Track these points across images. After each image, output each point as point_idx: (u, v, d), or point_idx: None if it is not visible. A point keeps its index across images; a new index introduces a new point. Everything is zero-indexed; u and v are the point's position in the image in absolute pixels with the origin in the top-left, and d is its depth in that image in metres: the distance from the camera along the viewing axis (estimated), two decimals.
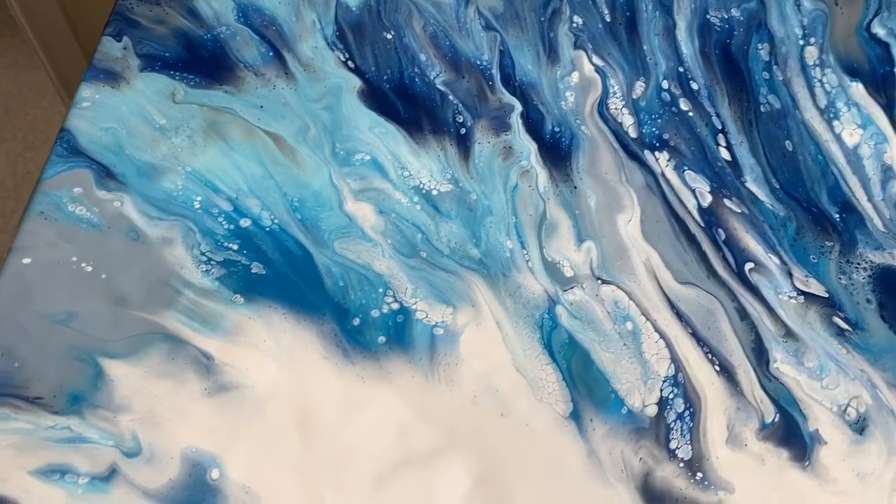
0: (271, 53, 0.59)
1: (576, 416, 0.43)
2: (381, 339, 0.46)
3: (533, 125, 0.56)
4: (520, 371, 0.44)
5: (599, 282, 0.48)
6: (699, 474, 0.41)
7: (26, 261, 0.47)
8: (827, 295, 0.48)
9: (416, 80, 0.59)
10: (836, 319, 0.47)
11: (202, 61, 0.59)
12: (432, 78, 0.59)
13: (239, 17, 0.61)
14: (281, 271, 0.48)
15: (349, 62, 0.59)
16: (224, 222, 0.50)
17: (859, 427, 0.43)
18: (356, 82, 0.58)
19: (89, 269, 0.47)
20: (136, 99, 0.56)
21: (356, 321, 0.46)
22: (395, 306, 0.47)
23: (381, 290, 0.47)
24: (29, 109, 1.56)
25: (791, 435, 0.42)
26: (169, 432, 0.42)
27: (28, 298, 0.46)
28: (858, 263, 0.49)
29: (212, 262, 0.48)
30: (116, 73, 0.57)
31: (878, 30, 0.61)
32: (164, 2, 0.62)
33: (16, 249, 0.48)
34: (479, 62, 0.60)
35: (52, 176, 0.51)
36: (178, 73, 0.58)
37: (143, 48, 0.59)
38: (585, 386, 0.44)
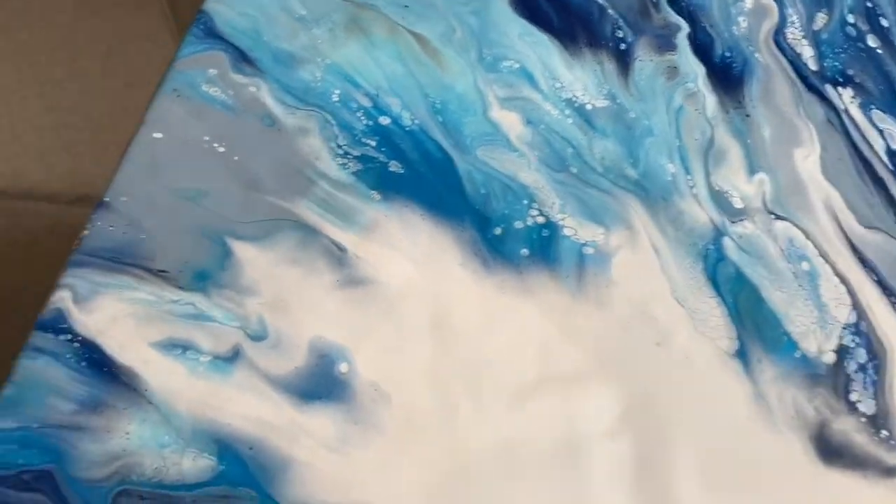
0: None
1: (742, 354, 0.39)
2: (524, 251, 0.42)
3: (701, 47, 0.52)
4: (679, 301, 0.40)
5: (772, 217, 0.43)
6: (884, 432, 0.36)
7: (157, 135, 0.46)
8: None
9: None
10: None
11: None
12: None
13: None
14: (420, 172, 0.45)
15: None
16: (362, 118, 0.47)
17: None
18: None
19: (221, 149, 0.45)
20: None
21: (498, 231, 0.43)
22: (541, 220, 0.43)
23: (525, 201, 0.44)
24: (132, 50, 1.58)
25: None
26: (296, 320, 0.39)
27: (157, 172, 0.44)
28: None
29: (349, 156, 0.46)
30: None
31: None
32: None
33: (147, 123, 0.47)
34: None
35: (187, 55, 0.49)
36: None
37: None
38: (753, 324, 0.40)
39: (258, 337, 0.39)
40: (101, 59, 1.60)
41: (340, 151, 0.46)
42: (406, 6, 0.53)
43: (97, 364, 0.38)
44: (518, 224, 0.43)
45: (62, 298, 0.39)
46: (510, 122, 0.48)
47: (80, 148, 1.47)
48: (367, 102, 0.48)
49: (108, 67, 1.56)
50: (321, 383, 0.38)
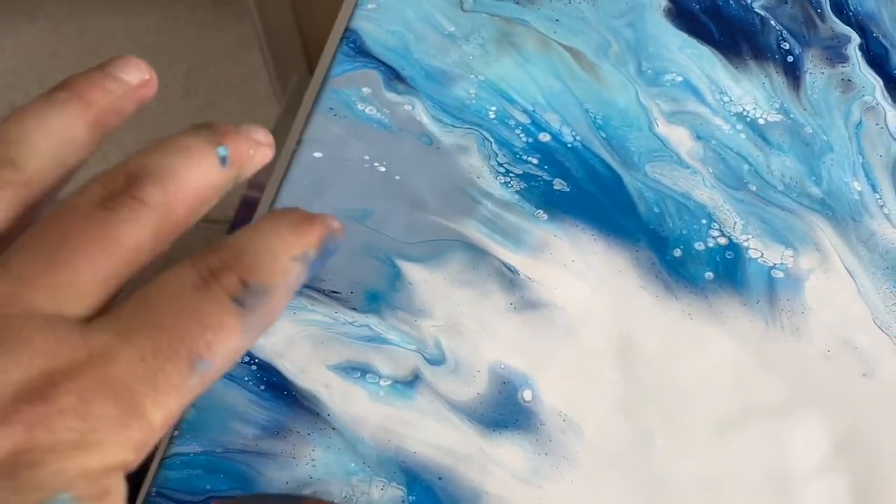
0: None
1: None
2: (709, 274, 0.41)
3: (875, 59, 0.50)
4: (883, 329, 0.38)
5: None
6: None
7: (317, 154, 0.46)
8: None
9: (731, 2, 0.53)
10: None
11: None
12: (749, 2, 0.53)
13: None
14: (586, 190, 0.44)
15: None
16: (521, 134, 0.47)
17: None
18: (661, 1, 0.54)
19: (382, 168, 0.45)
20: (422, 4, 0.54)
21: (677, 252, 0.42)
22: (723, 241, 0.42)
23: (704, 221, 0.43)
24: (212, 68, 1.62)
25: None
26: (474, 344, 0.39)
27: (320, 191, 0.45)
28: None
29: (510, 175, 0.45)
30: None
31: None
32: None
33: (306, 142, 0.47)
34: None
35: (339, 74, 0.50)
36: None
37: None
38: None
39: (436, 361, 0.39)
40: (183, 78, 1.65)
41: (502, 170, 0.46)
42: (557, 20, 0.53)
43: (277, 387, 0.38)
44: (698, 245, 0.42)
45: None
46: (678, 137, 0.47)
47: None
48: (524, 119, 0.48)
49: (190, 86, 1.60)
50: (506, 411, 0.37)
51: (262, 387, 0.38)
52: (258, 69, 1.50)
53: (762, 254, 0.41)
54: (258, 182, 0.43)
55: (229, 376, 0.38)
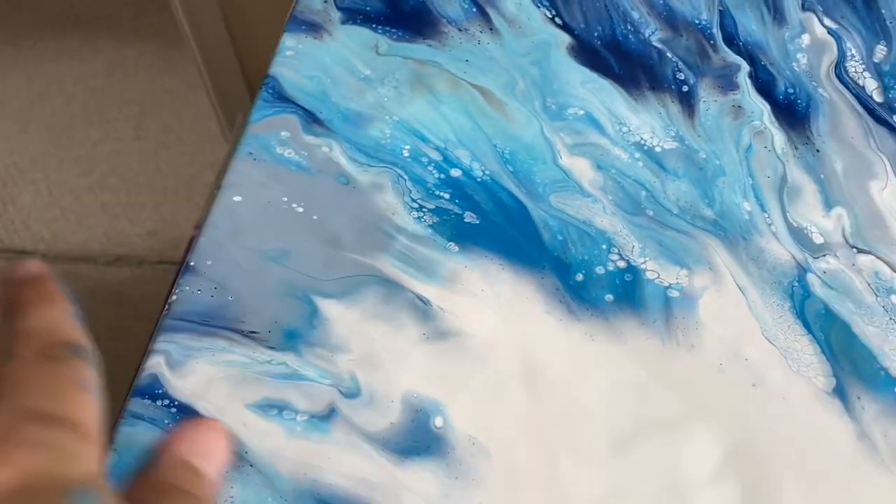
0: (474, 9, 0.58)
1: (840, 392, 0.38)
2: (609, 297, 0.42)
3: (763, 85, 0.52)
4: (771, 340, 0.40)
5: (855, 251, 0.43)
6: None
7: (237, 198, 0.47)
8: None
9: (630, 37, 0.56)
10: None
11: (404, 16, 0.58)
12: (647, 35, 0.56)
13: None
14: (495, 222, 0.46)
15: (556, 19, 0.57)
16: (434, 171, 0.48)
17: None
18: (565, 38, 0.56)
19: (300, 209, 0.47)
20: (339, 50, 0.55)
21: (579, 277, 0.43)
22: (622, 264, 0.44)
23: (604, 246, 0.44)
24: (164, 110, 1.62)
25: None
26: (388, 375, 0.40)
27: (241, 234, 0.46)
28: None
29: (423, 210, 0.47)
30: (318, 25, 0.57)
31: None
32: None
33: (226, 187, 0.48)
34: (697, 21, 0.56)
35: (259, 119, 0.51)
36: (379, 27, 0.57)
37: (344, 2, 0.58)
38: (849, 361, 0.40)
39: (352, 394, 0.40)
40: (135, 121, 1.64)
41: (415, 205, 0.47)
42: (467, 60, 0.55)
43: None
44: (599, 269, 0.44)
45: (157, 364, 0.40)
46: (581, 168, 0.49)
47: (117, 209, 1.50)
48: (436, 156, 0.49)
49: (142, 128, 1.60)
50: (418, 439, 0.38)
51: None
52: (208, 109, 1.50)
53: (659, 275, 0.43)
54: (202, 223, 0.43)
55: (150, 419, 0.39)
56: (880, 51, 0.54)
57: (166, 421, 0.39)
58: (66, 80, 1.66)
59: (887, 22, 0.55)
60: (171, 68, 1.65)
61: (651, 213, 0.46)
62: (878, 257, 0.43)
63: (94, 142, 1.55)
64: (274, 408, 0.39)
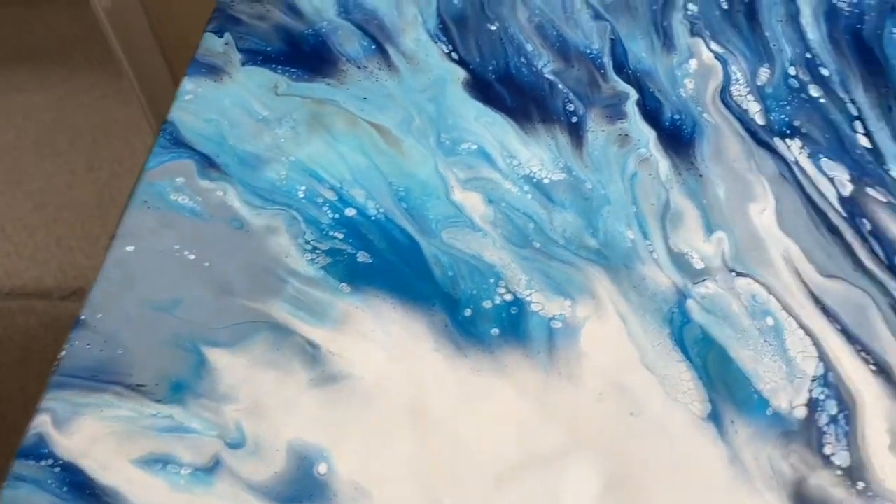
0: (373, 47, 0.58)
1: (715, 417, 0.39)
2: (495, 331, 0.43)
3: (650, 112, 0.53)
4: (649, 368, 0.41)
5: (734, 274, 0.44)
6: (861, 483, 0.36)
7: (129, 248, 0.47)
8: None
9: (523, 69, 0.56)
10: None
11: (303, 55, 0.58)
12: (540, 67, 0.56)
13: (340, 12, 0.60)
14: (388, 260, 0.46)
15: (453, 54, 0.57)
16: (329, 211, 0.48)
17: None
18: (461, 73, 0.56)
19: (192, 256, 0.46)
20: (238, 91, 0.55)
21: (467, 312, 0.43)
22: (509, 298, 0.44)
23: (492, 280, 0.45)
24: (115, 140, 1.60)
25: None
26: (275, 423, 0.40)
27: (131, 285, 0.45)
28: None
29: (317, 251, 0.46)
30: (218, 68, 0.57)
31: None
32: None
33: (119, 237, 0.47)
34: (588, 51, 0.57)
35: (155, 166, 0.51)
36: (279, 67, 0.57)
37: (245, 43, 0.58)
38: (724, 385, 0.40)
39: (237, 444, 0.39)
40: (87, 153, 1.62)
41: (309, 247, 0.47)
42: (365, 98, 0.55)
43: (80, 487, 0.38)
44: (487, 304, 0.44)
45: (42, 423, 0.40)
46: (473, 202, 0.49)
47: (71, 242, 1.48)
48: (332, 196, 0.49)
49: (94, 159, 1.58)
50: (301, 487, 0.38)
51: (65, 488, 0.38)
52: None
53: (543, 306, 0.43)
54: None
55: (33, 481, 0.38)
56: (763, 73, 0.55)
57: (50, 482, 0.38)
58: (16, 113, 1.63)
59: (770, 44, 0.56)
60: (123, 98, 1.63)
61: (538, 245, 0.46)
62: (756, 280, 0.44)
63: (46, 175, 1.53)
64: (158, 462, 0.38)
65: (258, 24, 0.60)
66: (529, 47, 0.57)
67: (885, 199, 0.47)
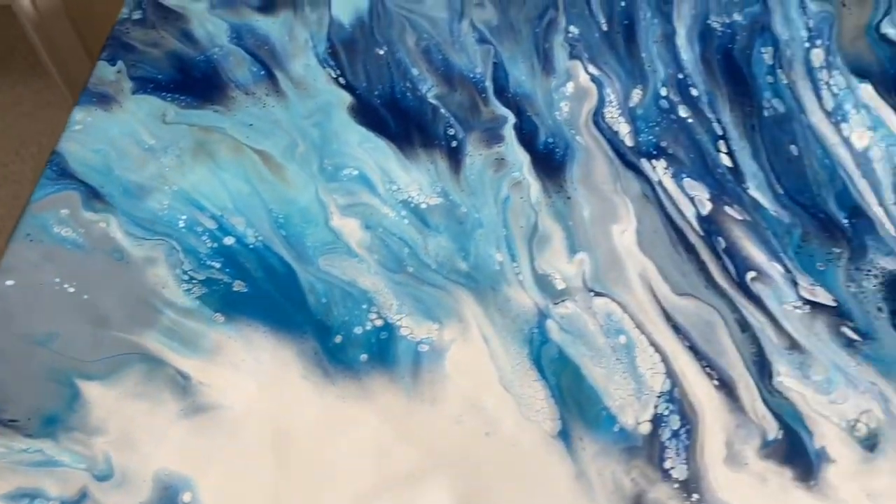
0: (263, 72, 0.59)
1: (564, 434, 0.41)
2: (364, 356, 0.44)
3: (526, 136, 0.55)
4: (507, 388, 0.42)
5: (592, 294, 0.46)
6: (696, 496, 0.38)
7: (9, 283, 0.47)
8: (835, 304, 0.45)
9: (408, 94, 0.57)
10: (845, 329, 0.44)
11: (194, 82, 0.58)
12: (424, 92, 0.57)
13: (232, 38, 0.61)
14: (263, 289, 0.47)
15: (340, 78, 0.58)
16: (208, 241, 0.49)
17: (869, 444, 0.39)
18: (347, 98, 0.57)
19: (71, 289, 0.47)
20: (128, 120, 0.56)
21: (338, 339, 0.45)
22: (379, 323, 0.45)
23: (364, 306, 0.46)
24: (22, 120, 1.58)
25: (795, 453, 0.39)
26: (143, 454, 0.40)
27: (9, 320, 0.45)
28: (869, 270, 0.46)
29: (194, 281, 0.47)
30: (109, 96, 0.57)
31: (889, 29, 0.58)
32: (160, 25, 0.62)
33: (1, 272, 0.48)
34: (472, 75, 0.58)
35: (40, 198, 0.51)
36: (169, 95, 0.57)
37: (137, 71, 0.59)
38: (575, 403, 0.42)
39: (104, 476, 0.40)
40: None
41: (186, 277, 0.48)
42: (251, 125, 0.56)
43: None
44: (357, 330, 0.45)
45: None
46: (350, 228, 0.50)
47: None
48: (212, 225, 0.50)
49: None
50: None
51: None
52: None
53: (412, 331, 0.45)
54: None
55: None
56: (636, 94, 0.56)
57: None
58: None
59: (645, 65, 0.58)
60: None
61: (411, 269, 0.48)
62: (613, 299, 0.46)
63: None
64: (26, 497, 0.39)
65: (151, 52, 0.60)
66: (415, 71, 0.58)
67: (741, 217, 0.49)
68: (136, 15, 0.62)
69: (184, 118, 0.56)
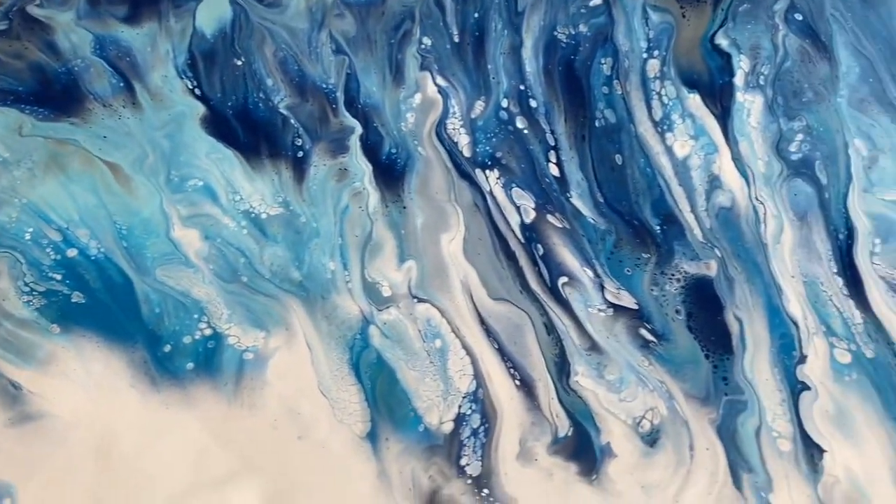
0: (122, 84, 0.59)
1: (372, 436, 0.43)
2: (190, 365, 0.45)
3: (371, 147, 0.56)
4: (324, 393, 0.44)
5: (415, 300, 0.48)
6: (485, 490, 0.41)
7: None
8: (637, 307, 0.48)
9: (260, 105, 0.59)
10: (643, 331, 0.46)
11: (54, 94, 0.59)
12: (276, 102, 0.59)
13: (95, 50, 0.61)
14: (100, 300, 0.48)
15: (196, 89, 0.59)
16: (52, 253, 0.50)
17: (651, 439, 0.42)
18: (200, 109, 0.58)
19: None
20: None
21: (167, 348, 0.46)
22: (208, 332, 0.47)
23: (196, 315, 0.47)
24: None
25: (582, 449, 0.42)
26: None
27: None
28: (672, 274, 0.49)
29: (34, 293, 0.48)
30: None
31: (722, 41, 0.61)
32: (26, 36, 0.62)
33: None
34: (324, 85, 0.60)
35: None
36: (28, 107, 0.58)
37: None
38: (387, 405, 0.44)
39: None
40: None
41: (27, 289, 0.49)
42: (104, 137, 0.56)
43: None
44: (187, 339, 0.47)
45: None
46: (189, 239, 0.51)
47: None
48: (57, 237, 0.51)
49: None
50: None
51: None
52: None
53: (239, 339, 0.46)
54: None
55: None
56: (478, 106, 0.58)
57: None
58: None
59: (491, 77, 0.60)
60: None
61: (245, 279, 0.49)
62: (433, 304, 0.48)
63: None
64: None
65: (14, 63, 0.60)
66: (270, 82, 0.59)
67: (560, 225, 0.52)
68: (3, 25, 0.62)
69: (40, 131, 0.56)
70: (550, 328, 0.47)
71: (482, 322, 0.47)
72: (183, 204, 0.53)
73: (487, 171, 0.55)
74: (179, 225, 0.52)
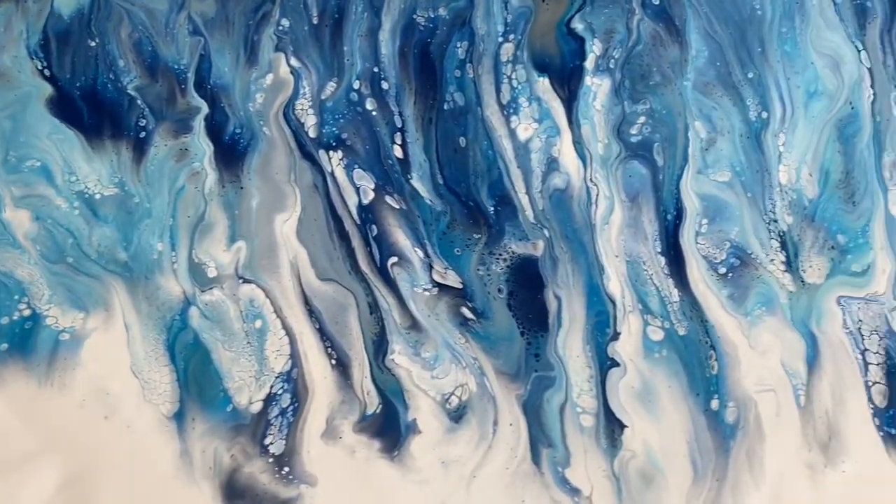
0: None
1: (179, 416, 0.42)
2: (4, 346, 0.44)
3: (215, 127, 0.55)
4: (136, 374, 0.43)
5: (241, 281, 0.47)
6: (286, 469, 0.40)
7: None
8: (461, 286, 0.47)
9: (109, 86, 0.57)
10: (464, 310, 0.46)
11: None
12: (125, 83, 0.57)
13: None
14: None
15: (45, 70, 0.57)
16: None
17: (457, 415, 0.42)
18: (48, 90, 0.56)
19: None
20: None
21: None
22: (27, 313, 0.45)
23: (17, 296, 0.46)
24: None
25: (388, 426, 0.42)
26: None
27: None
28: (500, 254, 0.49)
29: None
30: None
31: (578, 24, 0.61)
32: None
33: None
34: (176, 66, 0.58)
35: None
36: None
37: None
38: (198, 386, 0.43)
39: None
40: None
41: None
42: None
43: None
44: (4, 320, 0.45)
45: None
46: (20, 220, 0.50)
47: None
48: None
49: None
50: None
51: None
52: None
53: (57, 320, 0.45)
54: None
55: None
56: (330, 88, 0.57)
57: None
58: None
59: (345, 59, 0.59)
60: None
61: (71, 260, 0.48)
62: (258, 285, 0.47)
63: None
64: None
65: None
66: (121, 63, 0.58)
67: (398, 206, 0.51)
68: None
69: None
70: (374, 307, 0.46)
71: (306, 302, 0.47)
72: (17, 185, 0.51)
73: (331, 152, 0.54)
74: (11, 206, 0.50)
